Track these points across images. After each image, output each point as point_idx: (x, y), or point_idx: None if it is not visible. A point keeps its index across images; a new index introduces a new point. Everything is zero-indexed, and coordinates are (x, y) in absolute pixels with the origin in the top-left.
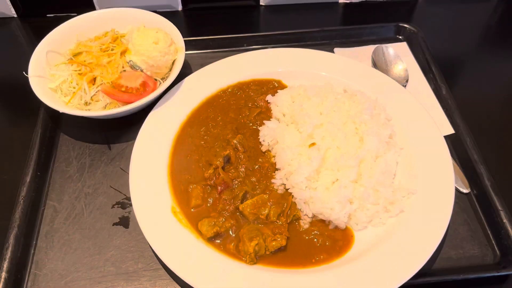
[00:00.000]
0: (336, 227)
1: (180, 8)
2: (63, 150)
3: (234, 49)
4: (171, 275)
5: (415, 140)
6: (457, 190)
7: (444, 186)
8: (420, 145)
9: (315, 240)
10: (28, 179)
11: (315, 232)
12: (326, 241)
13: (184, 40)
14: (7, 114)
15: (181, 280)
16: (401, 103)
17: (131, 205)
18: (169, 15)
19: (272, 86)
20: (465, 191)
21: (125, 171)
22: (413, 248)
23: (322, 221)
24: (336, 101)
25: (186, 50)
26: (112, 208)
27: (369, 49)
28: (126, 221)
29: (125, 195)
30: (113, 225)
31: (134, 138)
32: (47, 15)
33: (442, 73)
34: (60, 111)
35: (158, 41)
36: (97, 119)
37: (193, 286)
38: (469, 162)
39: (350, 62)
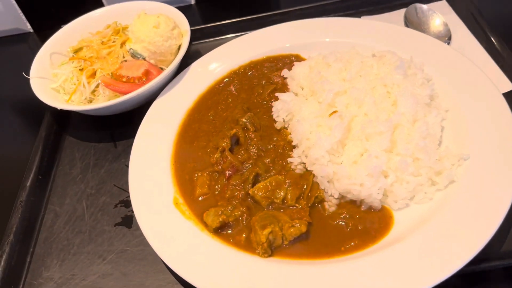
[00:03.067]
0: (370, 208)
1: (193, 1)
2: (67, 152)
3: (249, 32)
4: (177, 275)
5: (464, 100)
6: None
7: (505, 149)
8: (471, 104)
9: (344, 224)
10: (28, 183)
11: (344, 215)
12: (358, 225)
13: (195, 29)
14: (19, 122)
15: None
16: (443, 61)
17: None
18: (183, 9)
19: (289, 61)
20: None
21: None
22: (470, 226)
23: (353, 202)
24: (363, 65)
25: (198, 39)
26: (115, 207)
27: (400, 13)
28: (129, 220)
29: (129, 193)
30: (115, 225)
31: None
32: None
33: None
34: (58, 108)
35: (159, 25)
36: (103, 117)
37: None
38: None
39: (377, 24)
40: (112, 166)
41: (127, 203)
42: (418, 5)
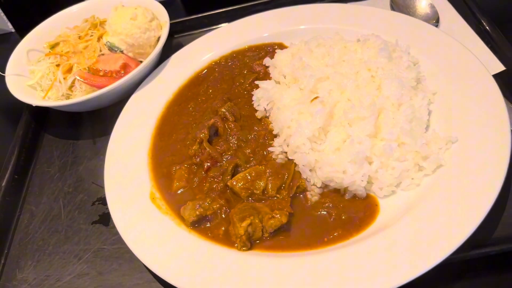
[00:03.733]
0: (355, 197)
1: None
2: (45, 150)
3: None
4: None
5: (453, 82)
6: None
7: (495, 131)
8: (460, 87)
9: (327, 214)
10: (3, 183)
11: (327, 204)
12: (342, 215)
13: (177, 22)
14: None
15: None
16: (431, 43)
17: None
18: (167, 4)
19: (272, 50)
20: None
21: None
22: (458, 212)
23: (336, 191)
24: (346, 50)
25: (180, 32)
26: (92, 205)
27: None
28: (106, 218)
29: None
30: (92, 224)
31: None
32: None
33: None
34: (34, 105)
35: (136, 17)
36: (82, 114)
37: (174, 284)
38: None
39: (362, 8)
40: (90, 163)
41: (104, 201)
42: None
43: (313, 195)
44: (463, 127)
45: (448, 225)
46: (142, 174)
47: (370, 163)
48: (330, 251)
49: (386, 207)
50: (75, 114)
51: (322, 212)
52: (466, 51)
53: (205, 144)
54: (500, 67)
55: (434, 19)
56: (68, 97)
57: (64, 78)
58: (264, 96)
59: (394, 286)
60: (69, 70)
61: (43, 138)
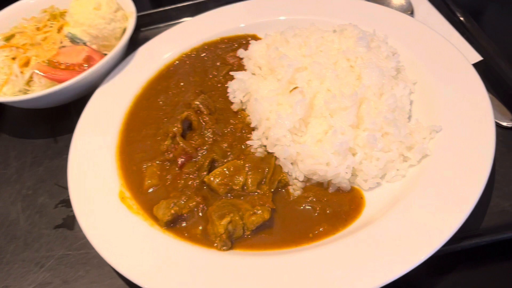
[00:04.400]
0: (339, 190)
1: None
2: (1, 151)
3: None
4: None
5: (433, 71)
6: (497, 125)
7: (479, 119)
8: (441, 76)
9: (311, 208)
10: None
11: (311, 199)
12: (327, 209)
13: (144, 15)
14: None
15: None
16: (408, 33)
17: None
18: None
19: (246, 42)
20: (508, 124)
21: None
22: (447, 202)
23: (319, 184)
24: (323, 40)
25: (148, 25)
26: (55, 208)
27: None
28: (70, 221)
29: None
30: (54, 228)
31: None
32: None
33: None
34: None
35: (100, 6)
36: (42, 111)
37: None
38: (508, 89)
39: None
40: (52, 163)
41: (68, 203)
42: None
43: (295, 189)
44: (447, 116)
45: (437, 217)
46: (110, 173)
47: (353, 154)
48: (316, 248)
49: (371, 200)
50: (33, 111)
51: (306, 206)
52: (444, 40)
53: (178, 138)
54: (477, 57)
55: (409, 11)
56: (25, 93)
57: (21, 72)
58: (240, 88)
59: (383, 283)
60: (27, 63)
61: None
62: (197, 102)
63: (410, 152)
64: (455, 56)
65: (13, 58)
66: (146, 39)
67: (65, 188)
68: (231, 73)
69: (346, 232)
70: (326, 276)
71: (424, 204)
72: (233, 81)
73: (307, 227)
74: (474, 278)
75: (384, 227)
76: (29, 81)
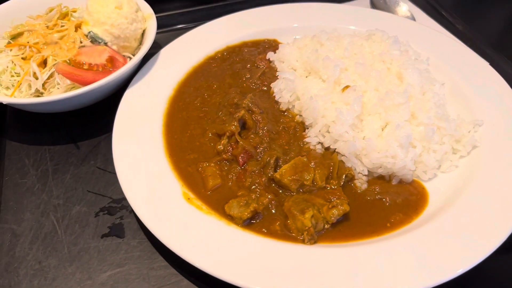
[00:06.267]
0: (400, 182)
1: None
2: (13, 159)
3: (206, 22)
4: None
5: (457, 72)
6: None
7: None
8: (465, 76)
9: (381, 199)
10: None
11: (378, 190)
12: (396, 199)
13: (162, 16)
14: None
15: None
16: (427, 40)
17: (121, 208)
18: None
19: (268, 46)
20: None
21: (104, 169)
22: (508, 188)
23: (381, 177)
24: (353, 44)
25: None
26: (96, 216)
27: (363, 2)
28: (119, 229)
29: (110, 198)
30: (102, 237)
31: (108, 130)
32: None
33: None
34: (4, 103)
35: (122, 5)
36: (49, 116)
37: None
38: None
39: (351, 8)
40: (79, 170)
41: (111, 210)
42: None
43: (361, 183)
44: (484, 111)
45: (503, 203)
46: (167, 176)
47: (413, 147)
48: (398, 236)
49: (433, 190)
50: (41, 116)
51: (376, 198)
52: (460, 44)
53: (237, 137)
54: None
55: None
56: (39, 95)
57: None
58: (287, 87)
59: (469, 267)
60: (41, 64)
61: (6, 146)
62: (247, 102)
63: (458, 144)
64: (474, 58)
65: (23, 58)
66: (160, 40)
67: (101, 195)
68: (278, 73)
69: (420, 220)
70: (414, 262)
71: (488, 192)
72: (278, 81)
73: (382, 217)
74: None
75: (457, 215)
76: (44, 83)
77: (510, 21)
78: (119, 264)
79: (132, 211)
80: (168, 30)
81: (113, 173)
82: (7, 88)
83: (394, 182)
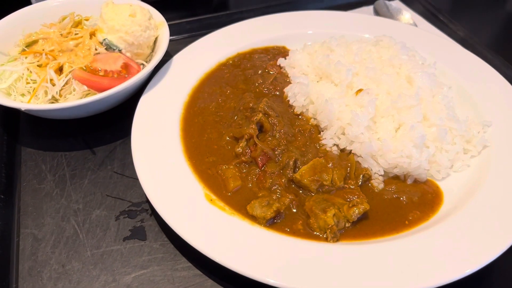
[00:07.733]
0: (415, 181)
1: None
2: (29, 165)
3: (214, 30)
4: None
5: (463, 76)
6: None
7: None
8: (471, 79)
9: (398, 198)
10: None
11: (395, 189)
12: (413, 198)
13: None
14: None
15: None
16: (432, 45)
17: (142, 211)
18: None
19: (278, 53)
20: None
21: (122, 174)
22: None
23: (397, 177)
24: (361, 49)
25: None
26: (116, 220)
27: (369, 9)
28: (140, 232)
29: (130, 201)
30: (124, 240)
31: (123, 136)
32: None
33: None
34: (23, 109)
35: (135, 13)
36: (68, 122)
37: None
38: None
39: (357, 16)
40: (97, 175)
41: (131, 214)
42: (387, 2)
43: (378, 182)
44: (492, 112)
45: None
46: (188, 179)
47: (427, 147)
48: (417, 233)
49: (447, 188)
50: (52, 123)
51: (393, 196)
52: (462, 49)
53: (255, 140)
54: None
55: None
56: (54, 102)
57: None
58: (301, 92)
59: (488, 261)
60: (57, 71)
61: (21, 152)
62: (263, 106)
63: (469, 145)
64: (477, 61)
65: (39, 65)
66: (171, 48)
67: (120, 199)
68: (291, 77)
69: (437, 218)
70: (436, 258)
71: (502, 190)
72: (292, 85)
73: (401, 215)
74: None
75: (473, 212)
76: (60, 89)
77: (508, 25)
78: (142, 266)
79: (152, 214)
80: (176, 38)
81: (131, 177)
82: (23, 95)
83: (409, 181)
